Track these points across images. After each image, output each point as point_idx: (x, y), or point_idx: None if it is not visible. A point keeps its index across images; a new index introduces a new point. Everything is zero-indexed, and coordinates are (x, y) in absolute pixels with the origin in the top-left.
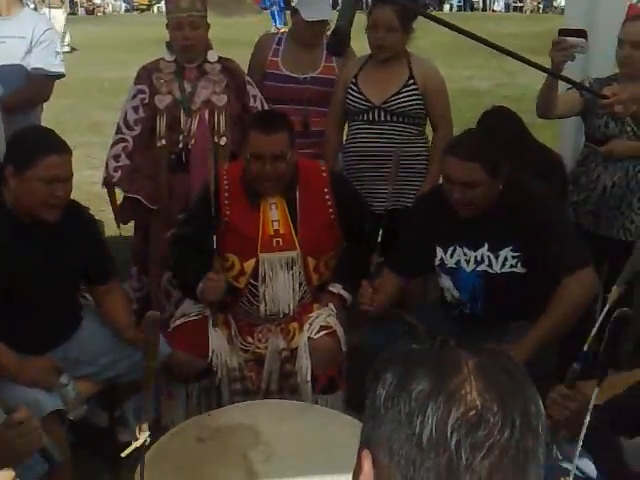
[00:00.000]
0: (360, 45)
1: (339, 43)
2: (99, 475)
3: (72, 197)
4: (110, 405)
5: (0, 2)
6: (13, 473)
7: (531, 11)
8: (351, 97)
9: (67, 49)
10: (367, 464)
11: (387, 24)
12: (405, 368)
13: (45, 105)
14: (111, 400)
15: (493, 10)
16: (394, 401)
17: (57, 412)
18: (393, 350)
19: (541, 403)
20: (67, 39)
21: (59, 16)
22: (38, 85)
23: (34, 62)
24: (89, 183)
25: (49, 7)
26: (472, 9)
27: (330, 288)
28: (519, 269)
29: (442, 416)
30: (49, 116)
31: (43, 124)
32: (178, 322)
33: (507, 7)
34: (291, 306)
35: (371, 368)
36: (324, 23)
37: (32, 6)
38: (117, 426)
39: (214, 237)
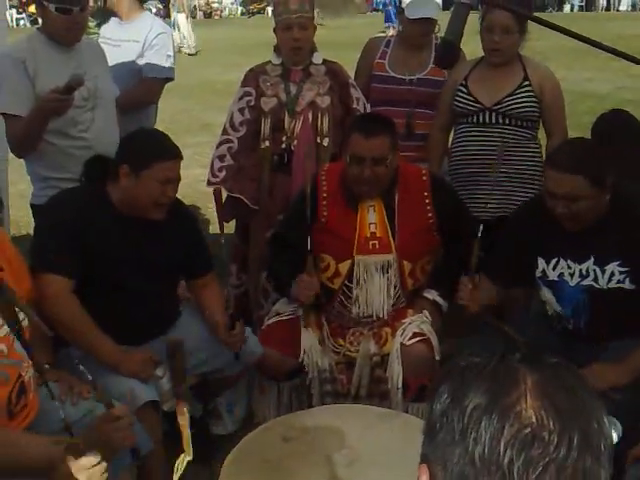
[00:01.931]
0: (470, 48)
1: (448, 56)
2: (190, 465)
3: (182, 195)
4: (204, 398)
5: (121, 8)
6: (105, 465)
7: None
8: (460, 99)
9: (193, 51)
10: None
11: (504, 26)
12: (460, 383)
13: (162, 106)
14: (205, 393)
15: (618, 10)
16: (448, 417)
17: (152, 403)
18: (452, 363)
19: (606, 421)
20: (192, 42)
21: (182, 20)
22: (147, 87)
23: (145, 65)
24: (198, 181)
25: (177, 12)
26: (591, 9)
27: (425, 294)
28: (627, 285)
29: (495, 433)
30: (165, 116)
31: (159, 124)
32: (271, 321)
33: (634, 7)
34: (384, 310)
35: (431, 383)
36: (430, 22)
37: (154, 10)
38: (210, 419)
39: (309, 238)
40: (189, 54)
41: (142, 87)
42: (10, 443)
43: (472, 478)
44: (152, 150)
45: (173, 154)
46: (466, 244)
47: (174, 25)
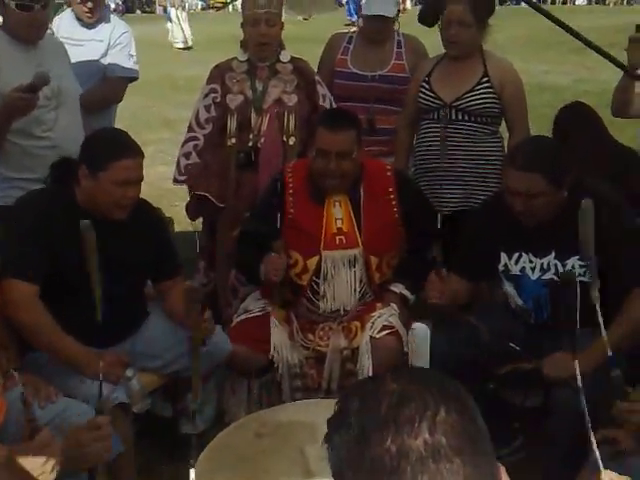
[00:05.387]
0: (432, 41)
1: (428, 14)
2: (160, 464)
3: (146, 193)
4: (173, 397)
5: (85, 10)
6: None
7: (614, 3)
8: (423, 95)
9: (189, 44)
10: None
11: (460, 20)
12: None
13: (122, 103)
14: (174, 392)
15: (574, 4)
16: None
17: (122, 405)
18: (339, 413)
19: (472, 401)
20: (183, 35)
21: (173, 14)
22: (111, 86)
23: (109, 64)
24: (162, 179)
25: (171, 6)
26: (552, 2)
27: (392, 288)
28: (587, 278)
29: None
30: (125, 113)
31: (119, 121)
32: (240, 318)
33: (589, 0)
34: (352, 304)
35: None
36: (387, 20)
37: (112, 6)
38: (179, 418)
39: (278, 216)
40: (181, 48)
41: (106, 86)
42: None
43: None
44: (108, 151)
45: (131, 153)
46: (429, 238)
47: (169, 19)
